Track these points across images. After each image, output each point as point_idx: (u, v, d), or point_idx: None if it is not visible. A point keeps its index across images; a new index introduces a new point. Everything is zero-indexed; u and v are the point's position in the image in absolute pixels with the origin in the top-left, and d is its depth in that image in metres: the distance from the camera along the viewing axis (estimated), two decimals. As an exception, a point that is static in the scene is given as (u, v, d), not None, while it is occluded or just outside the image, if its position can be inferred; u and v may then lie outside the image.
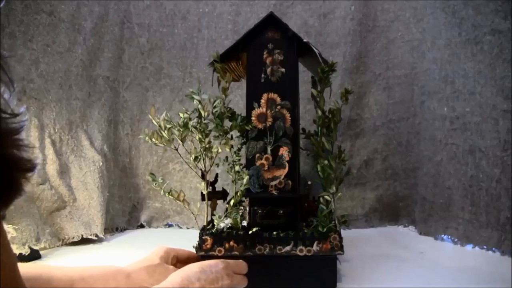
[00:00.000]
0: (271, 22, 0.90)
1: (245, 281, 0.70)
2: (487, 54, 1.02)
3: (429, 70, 1.20)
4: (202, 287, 0.61)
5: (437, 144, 1.16)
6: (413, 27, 1.29)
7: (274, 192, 0.88)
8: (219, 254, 0.84)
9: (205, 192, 0.89)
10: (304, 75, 1.23)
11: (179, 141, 0.92)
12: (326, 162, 0.89)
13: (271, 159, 0.88)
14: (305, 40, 0.90)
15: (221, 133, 0.88)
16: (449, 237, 1.12)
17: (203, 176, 0.89)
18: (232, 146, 0.89)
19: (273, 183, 0.88)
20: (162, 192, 0.86)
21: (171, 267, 0.76)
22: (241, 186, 0.88)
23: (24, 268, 0.61)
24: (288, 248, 0.84)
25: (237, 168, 0.90)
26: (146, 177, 1.33)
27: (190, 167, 0.90)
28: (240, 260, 0.70)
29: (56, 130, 1.27)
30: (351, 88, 0.98)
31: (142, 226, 1.44)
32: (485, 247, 1.02)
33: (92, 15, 1.34)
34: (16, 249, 0.99)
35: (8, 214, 0.35)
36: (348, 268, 0.93)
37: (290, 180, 0.88)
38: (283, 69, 0.89)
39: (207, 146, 0.87)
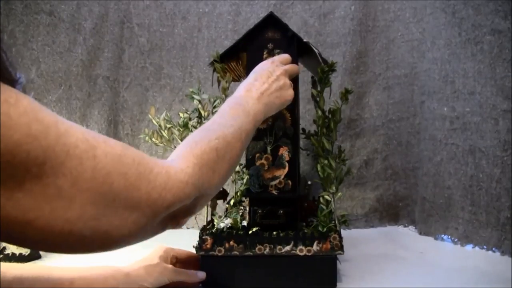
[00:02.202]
0: (271, 22, 0.90)
1: (295, 68, 0.82)
2: (487, 54, 1.02)
3: (429, 70, 1.20)
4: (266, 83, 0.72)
5: (437, 144, 1.16)
6: (413, 27, 1.29)
7: (274, 192, 0.88)
8: (219, 254, 0.84)
9: (205, 192, 0.88)
10: (304, 75, 1.23)
11: (179, 141, 0.92)
12: (326, 162, 0.89)
13: (271, 159, 0.88)
14: (305, 40, 0.90)
15: (221, 133, 0.88)
16: (449, 237, 1.12)
17: (203, 176, 0.88)
18: (232, 146, 0.89)
19: (273, 183, 0.88)
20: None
21: (170, 266, 0.76)
22: (241, 186, 0.88)
23: (24, 268, 0.61)
24: (288, 248, 0.84)
25: (237, 168, 0.90)
26: (146, 177, 1.33)
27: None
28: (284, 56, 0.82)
29: (56, 130, 1.27)
30: (351, 88, 0.98)
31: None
32: (485, 247, 1.02)
33: (92, 15, 1.35)
34: (16, 249, 0.99)
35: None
36: (348, 268, 0.93)
37: (290, 180, 0.88)
38: (283, 69, 0.89)
39: (207, 146, 0.87)
